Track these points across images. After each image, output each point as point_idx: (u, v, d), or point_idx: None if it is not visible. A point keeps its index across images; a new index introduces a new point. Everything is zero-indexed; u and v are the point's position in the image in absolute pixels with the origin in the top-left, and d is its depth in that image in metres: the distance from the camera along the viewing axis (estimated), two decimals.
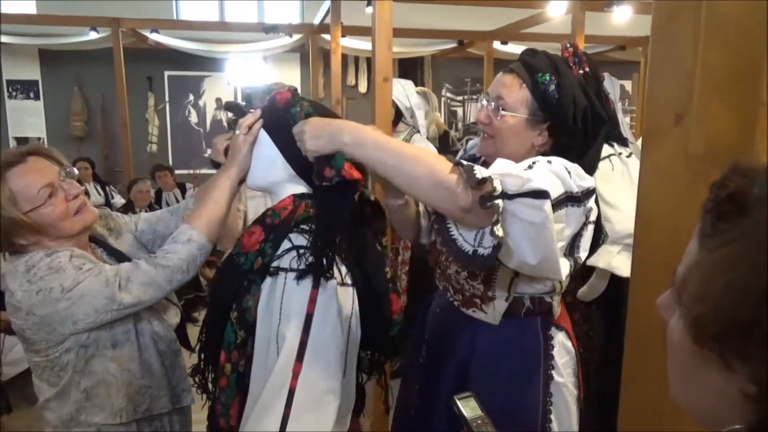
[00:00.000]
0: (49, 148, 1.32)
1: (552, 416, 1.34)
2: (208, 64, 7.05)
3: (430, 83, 7.62)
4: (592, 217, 1.25)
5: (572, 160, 1.23)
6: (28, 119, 7.15)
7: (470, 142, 1.62)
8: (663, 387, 0.64)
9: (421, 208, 1.50)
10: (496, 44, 6.10)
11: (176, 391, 1.38)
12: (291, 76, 7.62)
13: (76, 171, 1.31)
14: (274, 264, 1.13)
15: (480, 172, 1.02)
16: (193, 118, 7.52)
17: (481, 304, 1.35)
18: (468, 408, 0.88)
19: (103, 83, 6.97)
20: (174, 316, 1.41)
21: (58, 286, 1.16)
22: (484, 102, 1.34)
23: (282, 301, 1.10)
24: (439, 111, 6.81)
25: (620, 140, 2.03)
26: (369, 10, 4.10)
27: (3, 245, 1.22)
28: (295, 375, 1.06)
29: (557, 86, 1.27)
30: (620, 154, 1.96)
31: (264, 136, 1.22)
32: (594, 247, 1.33)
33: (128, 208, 4.82)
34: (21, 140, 7.18)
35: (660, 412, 0.68)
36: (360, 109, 7.05)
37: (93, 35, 5.78)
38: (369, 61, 7.59)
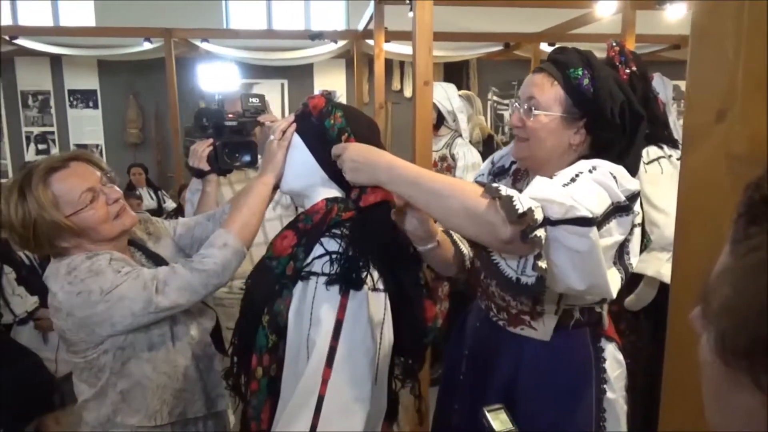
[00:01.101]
0: (90, 153, 1.36)
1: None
2: (257, 71, 7.20)
3: (476, 87, 7.54)
4: (638, 219, 1.20)
5: (614, 160, 1.18)
6: (88, 127, 7.48)
7: (497, 154, 1.54)
8: (702, 403, 0.59)
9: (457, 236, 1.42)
10: (543, 46, 5.97)
11: (211, 395, 1.39)
12: (337, 82, 7.70)
13: (115, 176, 1.35)
14: (306, 268, 1.13)
15: (520, 203, 0.97)
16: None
17: (530, 320, 1.29)
18: (498, 421, 0.86)
19: (157, 92, 7.23)
20: (209, 320, 1.42)
21: (98, 289, 1.18)
22: (516, 105, 1.30)
23: (312, 306, 1.09)
24: (485, 115, 6.74)
25: (671, 142, 1.95)
26: (412, 14, 4.10)
27: (46, 248, 1.26)
28: (325, 381, 1.05)
29: (591, 79, 1.21)
30: (670, 156, 1.88)
31: (297, 141, 1.22)
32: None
33: (178, 212, 4.96)
34: (81, 147, 7.53)
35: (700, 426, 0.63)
36: (405, 113, 7.03)
37: (147, 45, 6.00)
38: (413, 66, 7.61)
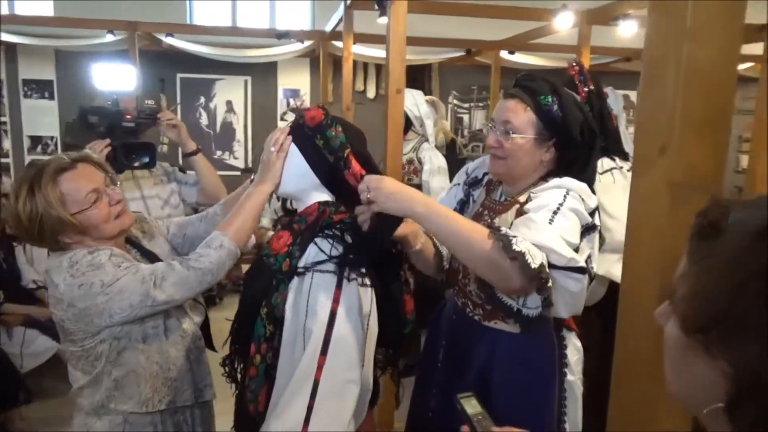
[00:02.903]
0: (95, 156, 1.42)
1: (566, 410, 1.44)
2: (220, 67, 7.17)
3: (437, 90, 7.73)
4: (599, 226, 1.38)
5: (576, 173, 1.36)
6: (43, 118, 7.29)
7: (471, 165, 1.71)
8: (651, 388, 0.74)
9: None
10: (503, 53, 6.21)
11: (199, 386, 1.48)
12: (301, 81, 7.75)
13: (117, 178, 1.42)
14: (302, 265, 1.24)
15: (532, 259, 1.15)
16: (204, 120, 7.65)
17: (503, 317, 1.45)
18: (469, 405, 0.96)
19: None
20: (199, 315, 1.51)
21: (99, 282, 1.26)
22: (490, 127, 1.47)
23: (308, 299, 1.21)
24: (446, 118, 6.93)
25: (621, 154, 2.14)
26: (381, 20, 4.22)
27: (49, 242, 1.33)
28: (320, 367, 1.17)
29: (560, 105, 1.39)
30: (621, 168, 2.07)
31: (293, 148, 1.33)
32: None
33: None
34: (35, 139, 7.33)
35: (648, 413, 0.78)
36: (368, 114, 7.15)
37: (109, 38, 5.91)
38: (378, 68, 7.74)
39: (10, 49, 6.90)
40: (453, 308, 1.61)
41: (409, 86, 3.82)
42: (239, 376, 1.36)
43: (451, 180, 3.42)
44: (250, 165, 7.54)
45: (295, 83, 7.78)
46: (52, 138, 7.37)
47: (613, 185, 2.03)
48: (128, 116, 2.02)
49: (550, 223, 1.25)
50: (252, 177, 1.51)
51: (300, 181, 1.34)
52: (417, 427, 1.67)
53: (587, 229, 1.32)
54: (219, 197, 2.46)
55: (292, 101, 7.81)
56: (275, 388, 1.24)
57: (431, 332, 1.68)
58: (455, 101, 7.97)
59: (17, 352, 2.97)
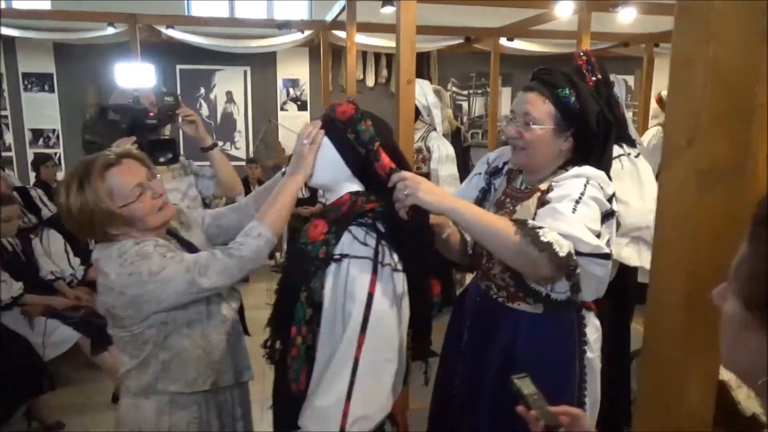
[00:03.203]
0: (138, 152, 1.49)
1: (586, 386, 1.53)
2: (219, 58, 7.19)
3: (436, 78, 7.77)
4: (617, 212, 1.47)
5: (593, 162, 1.44)
6: (44, 111, 7.30)
7: (492, 155, 1.78)
8: (679, 362, 0.82)
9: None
10: (502, 40, 6.26)
11: (238, 368, 1.56)
12: (299, 70, 7.78)
13: (158, 173, 1.49)
14: (338, 252, 1.32)
15: (560, 249, 1.24)
16: (204, 110, 7.68)
17: (525, 297, 1.54)
18: (524, 386, 1.02)
19: (116, 77, 7.13)
20: (236, 302, 1.59)
21: (147, 270, 1.33)
22: (510, 119, 1.55)
23: (346, 284, 1.29)
24: (448, 106, 6.98)
25: (629, 141, 2.22)
26: (385, 10, 4.27)
27: (98, 234, 1.40)
28: (359, 346, 1.25)
29: (577, 97, 1.47)
30: (629, 154, 2.16)
31: (326, 141, 1.40)
32: None
33: None
34: (36, 132, 7.34)
35: (677, 386, 0.85)
36: (367, 102, 7.17)
37: (110, 30, 5.92)
38: (377, 57, 7.77)
39: (9, 42, 6.90)
40: (476, 291, 1.69)
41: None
42: (279, 356, 1.44)
43: (458, 168, 3.50)
44: (251, 155, 7.58)
45: (295, 73, 7.80)
46: (53, 131, 7.39)
47: (622, 171, 2.11)
48: (151, 113, 2.08)
49: (573, 212, 1.33)
50: (283, 170, 1.58)
51: (332, 172, 1.41)
52: (442, 403, 1.76)
53: (606, 216, 1.40)
54: (235, 190, 2.54)
55: (291, 90, 7.85)
56: (315, 367, 1.32)
57: (455, 314, 1.76)
58: (454, 88, 8.01)
59: (39, 342, 3.04)
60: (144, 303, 1.36)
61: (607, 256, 1.32)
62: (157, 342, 1.42)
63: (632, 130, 2.48)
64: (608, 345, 2.28)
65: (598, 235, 1.34)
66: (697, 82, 0.76)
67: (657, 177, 2.40)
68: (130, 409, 1.47)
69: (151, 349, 1.42)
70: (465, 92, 8.09)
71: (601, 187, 1.40)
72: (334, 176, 1.42)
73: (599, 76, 2.08)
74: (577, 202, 1.34)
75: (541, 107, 1.47)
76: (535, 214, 1.44)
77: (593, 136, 1.47)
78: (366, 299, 1.27)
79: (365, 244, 1.31)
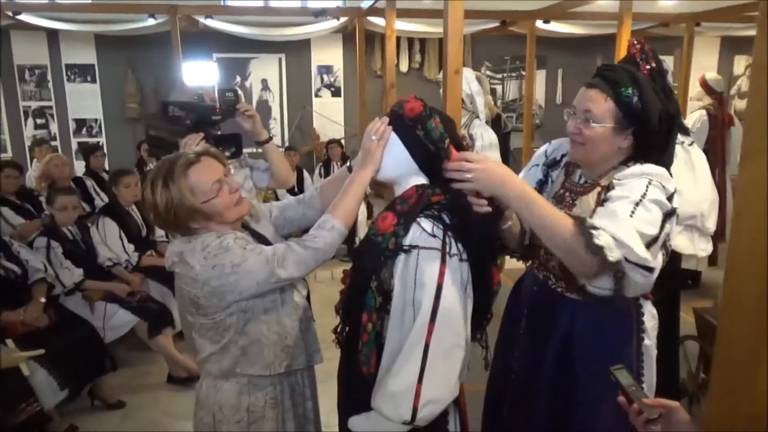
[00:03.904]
0: (215, 150, 1.57)
1: (644, 372, 1.57)
2: (254, 46, 7.28)
3: (469, 62, 7.74)
4: (678, 208, 1.48)
5: (655, 159, 1.45)
6: (86, 102, 7.52)
7: (550, 147, 1.78)
8: (754, 349, 0.85)
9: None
10: (538, 22, 6.19)
11: (310, 351, 1.65)
12: (334, 57, 7.83)
13: (233, 169, 1.56)
14: (407, 243, 1.38)
15: (611, 253, 1.27)
16: (240, 98, 7.79)
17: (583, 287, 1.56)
18: (622, 377, 1.03)
19: (155, 66, 7.28)
20: (304, 289, 1.67)
21: (229, 263, 1.41)
22: (571, 114, 1.56)
23: (416, 274, 1.35)
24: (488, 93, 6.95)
25: (682, 129, 2.22)
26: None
27: (182, 228, 1.48)
28: (430, 333, 1.32)
29: (640, 96, 1.47)
30: (683, 143, 2.16)
31: (394, 137, 1.46)
32: None
33: None
34: (80, 122, 7.57)
35: (751, 372, 0.89)
36: (400, 87, 7.23)
37: (150, 21, 6.05)
38: (410, 42, 7.76)
39: (53, 35, 7.11)
40: (533, 280, 1.73)
41: (442, 59, 3.85)
42: (346, 342, 1.51)
43: (501, 155, 3.52)
44: (287, 142, 7.69)
45: (329, 59, 7.86)
46: (96, 120, 7.61)
47: (676, 160, 2.11)
48: (217, 110, 2.16)
49: (631, 215, 1.34)
50: (349, 164, 1.64)
51: (400, 167, 1.47)
52: (499, 387, 1.81)
53: (668, 215, 1.40)
54: (288, 183, 2.62)
55: (325, 77, 7.90)
56: (385, 352, 1.40)
57: (511, 302, 1.81)
58: (488, 72, 7.97)
59: (100, 326, 3.20)
60: (227, 293, 1.44)
61: (651, 270, 1.35)
62: (237, 329, 1.50)
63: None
64: (658, 332, 2.32)
65: (656, 239, 1.36)
66: None
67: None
68: (211, 390, 1.56)
69: (232, 335, 1.51)
70: (499, 76, 8.04)
71: (663, 187, 1.40)
72: (402, 171, 1.47)
73: (653, 65, 2.07)
74: (637, 204, 1.36)
75: (602, 105, 1.48)
76: (594, 210, 1.46)
77: (654, 135, 1.48)
78: (435, 289, 1.33)
79: (433, 236, 1.37)
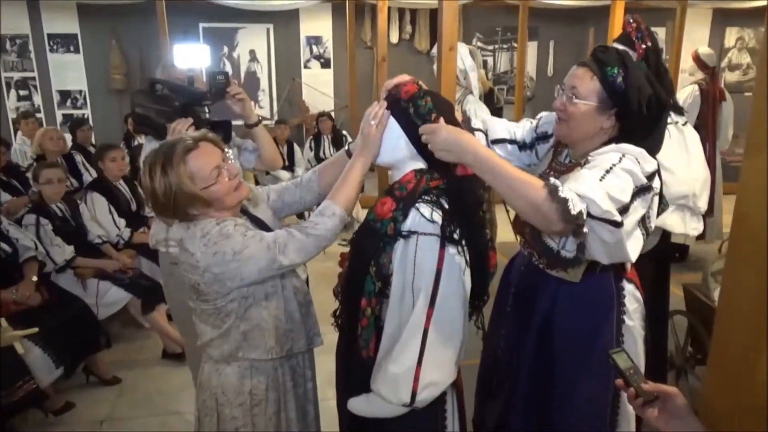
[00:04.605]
0: (212, 135, 1.54)
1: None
2: (242, 15, 7.13)
3: (461, 33, 7.64)
4: (657, 190, 1.49)
5: (638, 142, 1.46)
6: (70, 73, 7.34)
7: (543, 117, 1.80)
8: (752, 341, 0.87)
9: None
10: None
11: (309, 335, 1.66)
12: (323, 27, 7.69)
13: (231, 155, 1.54)
14: (406, 229, 1.38)
15: (573, 206, 1.26)
16: (228, 70, 7.66)
17: (559, 265, 1.58)
18: (621, 360, 1.01)
19: (140, 37, 7.12)
20: (303, 273, 1.68)
21: (230, 250, 1.40)
22: (561, 90, 1.57)
23: (415, 260, 1.36)
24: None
25: (676, 109, 2.22)
26: None
27: (181, 214, 1.47)
28: (429, 318, 1.34)
29: (624, 78, 1.47)
30: (677, 122, 2.16)
31: (392, 121, 1.45)
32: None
33: None
34: (64, 93, 7.41)
35: (748, 363, 0.91)
36: (391, 58, 7.14)
37: None
38: (401, 12, 7.63)
39: (33, 4, 6.90)
40: (522, 258, 1.77)
41: (433, 30, 3.78)
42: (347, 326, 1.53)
43: None
44: (276, 115, 7.60)
45: (318, 30, 7.71)
46: (80, 92, 7.45)
47: (669, 140, 2.11)
48: (207, 94, 2.13)
49: (600, 180, 1.35)
50: (347, 147, 1.63)
51: (398, 151, 1.46)
52: (489, 363, 1.86)
53: (641, 190, 1.41)
54: (276, 165, 2.61)
55: (315, 48, 7.78)
56: (384, 336, 1.41)
57: (503, 281, 1.84)
58: (479, 44, 7.88)
59: (93, 303, 3.19)
60: (228, 280, 1.43)
61: (616, 224, 1.33)
62: (238, 314, 1.51)
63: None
64: (647, 307, 2.36)
65: (627, 207, 1.36)
66: None
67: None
68: (213, 374, 1.57)
69: (233, 320, 1.51)
70: (490, 48, 7.96)
71: (638, 162, 1.41)
72: (399, 155, 1.47)
73: (649, 44, 2.07)
74: (608, 171, 1.37)
75: (587, 83, 1.49)
76: None
77: (636, 118, 1.48)
78: (435, 275, 1.34)
79: (432, 221, 1.38)
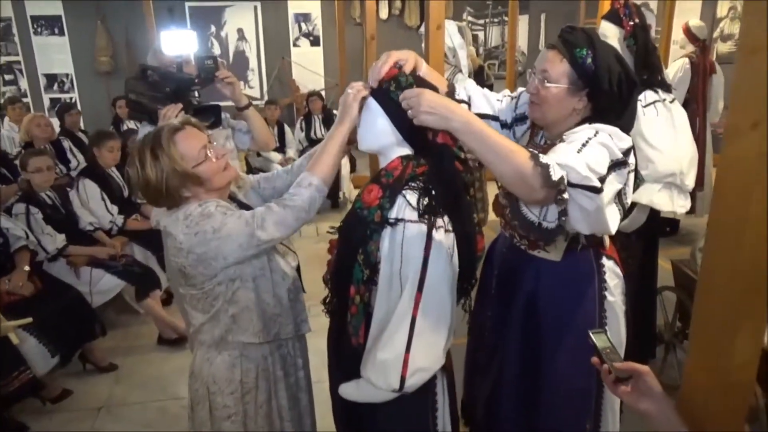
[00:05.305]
0: (195, 120, 1.56)
1: (607, 328, 1.63)
2: None
3: (451, 7, 7.55)
4: (632, 166, 1.50)
5: (611, 121, 1.47)
6: (56, 56, 7.24)
7: (522, 97, 1.76)
8: (729, 321, 0.89)
9: None
10: None
11: (297, 321, 1.68)
12: (312, 4, 7.60)
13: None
14: (393, 216, 1.39)
15: (554, 172, 1.28)
16: (216, 49, 7.56)
17: (544, 245, 1.61)
18: (599, 340, 1.05)
19: (126, 17, 7.01)
20: (294, 260, 1.69)
21: (210, 228, 1.42)
22: (532, 74, 1.57)
23: (402, 247, 1.36)
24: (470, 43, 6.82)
25: (664, 86, 2.21)
26: None
27: (173, 198, 1.48)
28: (417, 304, 1.35)
29: (593, 58, 1.48)
30: (664, 100, 2.16)
31: (375, 106, 1.44)
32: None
33: None
34: (50, 77, 7.32)
35: (726, 344, 0.92)
36: (380, 35, 7.05)
37: None
38: None
39: None
40: (503, 241, 1.78)
41: (423, 5, 3.71)
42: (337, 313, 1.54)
43: None
44: (266, 95, 7.53)
45: (306, 7, 7.61)
46: (67, 75, 7.36)
47: (657, 118, 2.12)
48: (196, 80, 2.14)
49: (578, 152, 1.37)
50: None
51: (383, 137, 1.45)
52: (475, 345, 1.90)
53: (616, 164, 1.43)
54: (269, 146, 2.62)
55: (303, 26, 7.68)
56: (373, 323, 1.42)
57: (485, 264, 1.85)
58: (470, 18, 7.80)
59: (87, 291, 3.20)
60: (211, 260, 1.45)
61: (595, 190, 1.35)
62: (225, 297, 1.52)
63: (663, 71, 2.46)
64: (636, 283, 2.40)
65: (603, 179, 1.37)
66: (765, 69, 0.79)
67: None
68: (204, 363, 1.59)
69: (221, 304, 1.53)
70: (481, 22, 7.88)
71: (612, 137, 1.42)
72: (385, 142, 1.46)
73: (637, 21, 2.06)
74: (584, 144, 1.38)
75: (558, 66, 1.49)
76: None
77: (608, 97, 1.49)
78: (422, 261, 1.35)
79: (419, 208, 1.38)
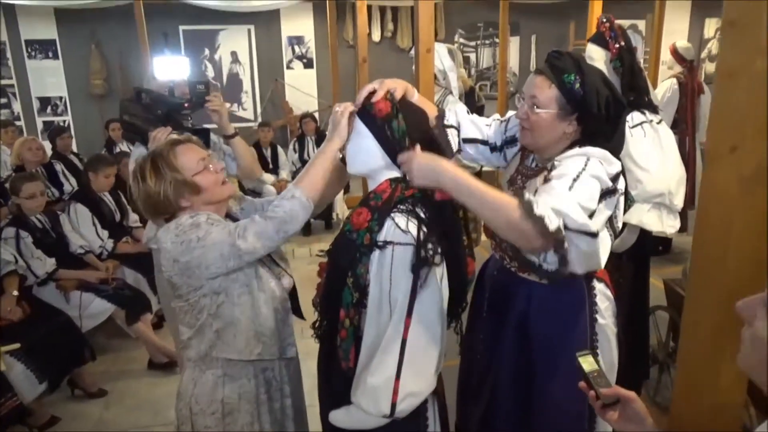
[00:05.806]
0: (195, 138, 1.65)
1: (598, 350, 1.62)
2: (222, 17, 7.09)
3: (442, 29, 7.65)
4: (622, 191, 1.51)
5: (601, 143, 1.48)
6: (49, 79, 7.27)
7: (512, 120, 1.78)
8: (714, 357, 0.89)
9: None
10: None
11: (283, 344, 1.66)
12: (305, 27, 7.67)
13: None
14: (382, 239, 1.38)
15: (550, 222, 1.28)
16: (210, 72, 7.62)
17: (549, 283, 1.60)
18: (586, 363, 1.04)
19: (120, 41, 7.06)
20: (288, 282, 1.68)
21: (195, 237, 1.44)
22: (522, 99, 1.59)
23: (391, 270, 1.36)
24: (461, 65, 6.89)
25: (651, 108, 2.24)
26: None
27: (173, 207, 1.52)
28: (407, 328, 1.34)
29: (581, 84, 1.49)
30: (651, 121, 2.18)
31: (364, 130, 1.45)
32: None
33: None
34: (44, 100, 7.34)
35: (711, 379, 0.93)
36: (373, 57, 7.14)
37: None
38: (382, 10, 7.62)
39: (10, 10, 6.81)
40: (494, 263, 1.78)
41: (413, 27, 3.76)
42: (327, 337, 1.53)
43: None
44: (259, 117, 7.56)
45: (299, 30, 7.69)
46: (60, 98, 7.37)
47: (644, 138, 2.14)
48: (186, 105, 2.19)
49: (569, 189, 1.37)
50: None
51: (372, 161, 1.46)
52: (468, 367, 1.88)
53: (606, 193, 1.44)
54: (254, 176, 2.69)
55: (297, 48, 7.75)
56: (362, 347, 1.41)
57: (477, 286, 1.85)
58: (461, 40, 7.89)
59: (76, 315, 3.17)
60: (195, 268, 1.45)
61: (593, 235, 1.36)
62: (210, 311, 1.53)
63: (651, 92, 2.48)
64: (628, 304, 2.39)
65: (593, 213, 1.38)
66: (742, 93, 0.80)
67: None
68: (189, 383, 1.59)
69: (206, 317, 1.53)
70: (472, 44, 7.98)
71: (602, 164, 1.43)
72: (374, 165, 1.47)
73: (622, 43, 2.09)
74: (575, 180, 1.39)
75: (546, 91, 1.51)
76: (536, 190, 1.48)
77: (597, 120, 1.50)
78: (411, 285, 1.34)
79: (407, 231, 1.38)
